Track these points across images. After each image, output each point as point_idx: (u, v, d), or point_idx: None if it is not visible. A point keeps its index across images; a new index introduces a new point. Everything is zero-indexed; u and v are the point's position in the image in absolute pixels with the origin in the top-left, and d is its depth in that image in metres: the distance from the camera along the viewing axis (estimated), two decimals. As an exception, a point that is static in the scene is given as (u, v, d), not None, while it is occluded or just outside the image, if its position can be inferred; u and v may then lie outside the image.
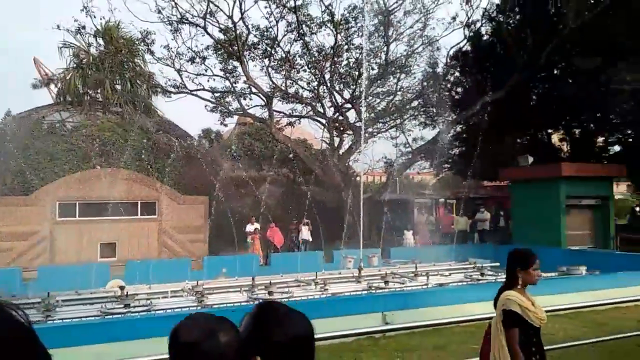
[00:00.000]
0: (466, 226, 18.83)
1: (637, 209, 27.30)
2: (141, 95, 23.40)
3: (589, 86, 17.48)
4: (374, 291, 9.95)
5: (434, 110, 23.28)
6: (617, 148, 21.79)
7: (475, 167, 20.84)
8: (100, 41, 23.20)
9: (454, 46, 23.37)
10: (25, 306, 8.49)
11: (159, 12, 21.11)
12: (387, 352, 7.32)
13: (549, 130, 23.42)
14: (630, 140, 20.12)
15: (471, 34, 23.08)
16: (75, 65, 23.05)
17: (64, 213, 15.74)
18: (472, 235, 18.94)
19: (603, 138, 22.23)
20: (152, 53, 22.37)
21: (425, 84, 23.38)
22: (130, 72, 23.08)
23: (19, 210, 15.04)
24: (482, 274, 11.31)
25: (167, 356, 1.25)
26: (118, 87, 22.85)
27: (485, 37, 23.45)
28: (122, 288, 9.37)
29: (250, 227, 17.03)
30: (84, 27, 21.94)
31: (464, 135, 23.74)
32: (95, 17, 21.32)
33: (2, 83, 42.79)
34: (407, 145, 24.60)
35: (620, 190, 27.64)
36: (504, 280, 3.66)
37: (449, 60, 23.55)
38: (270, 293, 9.59)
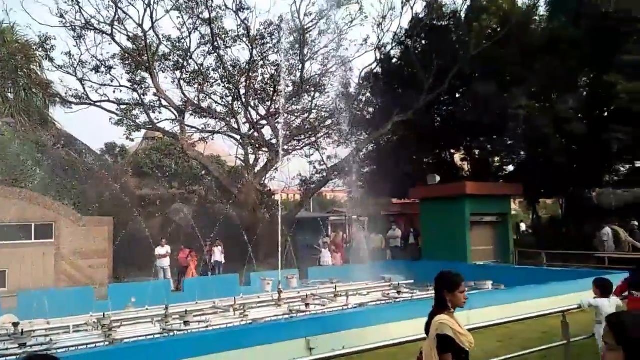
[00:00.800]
0: (381, 244, 19.37)
1: (522, 225, 29.89)
2: (37, 105, 21.39)
3: (487, 110, 18.91)
4: (295, 315, 9.78)
5: (347, 129, 23.89)
6: (511, 168, 23.73)
7: (386, 185, 21.61)
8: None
9: (365, 67, 24.23)
10: None
11: (61, 16, 19.67)
12: (313, 380, 7.17)
13: (452, 151, 24.99)
14: (523, 160, 22.01)
15: (382, 56, 24.09)
16: (-42, 69, 20.59)
17: (-59, 238, 13.77)
18: (384, 252, 19.50)
19: (499, 158, 24.13)
20: (51, 60, 20.64)
21: (338, 103, 23.94)
22: (25, 79, 21.02)
23: None
24: (398, 292, 11.61)
25: None
26: (10, 95, 20.71)
27: (394, 60, 24.58)
28: (15, 325, 8.34)
29: (160, 250, 16.09)
30: (-28, 28, 19.78)
31: (375, 154, 24.58)
32: (-14, 17, 19.33)
33: None
34: (322, 164, 24.92)
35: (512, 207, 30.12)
36: (433, 303, 3.66)
37: (361, 81, 24.34)
38: (186, 323, 9.04)
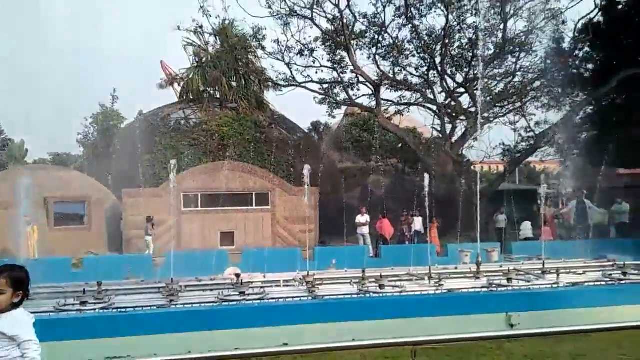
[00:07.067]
0: (604, 219, 16.80)
1: None
2: (254, 90, 24.28)
3: None
4: (495, 289, 9.16)
5: (560, 91, 21.11)
6: None
7: (610, 153, 18.53)
8: (217, 39, 24.45)
9: (582, 17, 20.93)
10: (152, 291, 9.11)
11: (269, 6, 21.73)
12: (517, 357, 6.62)
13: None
14: None
15: (603, 2, 20.49)
16: (196, 64, 24.58)
17: (188, 204, 16.85)
18: (607, 229, 16.87)
19: None
20: (263, 48, 23.13)
21: (548, 61, 21.28)
22: (244, 69, 24.03)
23: (149, 201, 16.39)
24: (624, 274, 9.89)
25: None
26: (233, 83, 23.93)
27: (620, 6, 20.68)
28: (237, 275, 9.66)
29: (361, 218, 16.86)
30: (201, 27, 23.41)
31: (597, 118, 21.24)
32: (211, 16, 22.61)
33: (133, 83, 48.40)
34: (529, 130, 22.65)
35: None
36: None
37: (576, 34, 21.15)
38: (381, 286, 9.24)
